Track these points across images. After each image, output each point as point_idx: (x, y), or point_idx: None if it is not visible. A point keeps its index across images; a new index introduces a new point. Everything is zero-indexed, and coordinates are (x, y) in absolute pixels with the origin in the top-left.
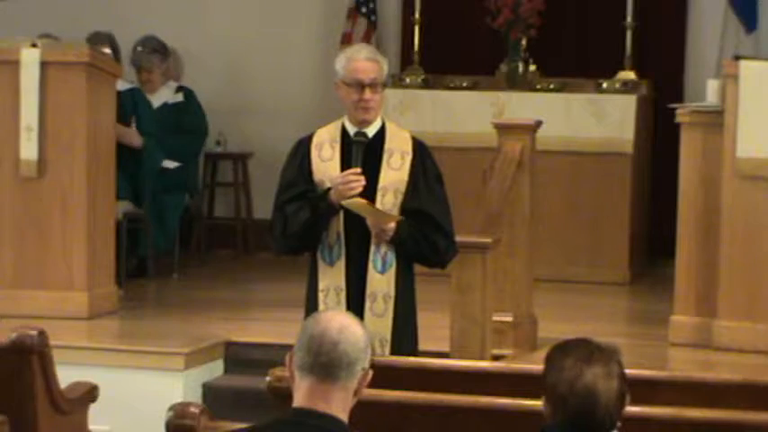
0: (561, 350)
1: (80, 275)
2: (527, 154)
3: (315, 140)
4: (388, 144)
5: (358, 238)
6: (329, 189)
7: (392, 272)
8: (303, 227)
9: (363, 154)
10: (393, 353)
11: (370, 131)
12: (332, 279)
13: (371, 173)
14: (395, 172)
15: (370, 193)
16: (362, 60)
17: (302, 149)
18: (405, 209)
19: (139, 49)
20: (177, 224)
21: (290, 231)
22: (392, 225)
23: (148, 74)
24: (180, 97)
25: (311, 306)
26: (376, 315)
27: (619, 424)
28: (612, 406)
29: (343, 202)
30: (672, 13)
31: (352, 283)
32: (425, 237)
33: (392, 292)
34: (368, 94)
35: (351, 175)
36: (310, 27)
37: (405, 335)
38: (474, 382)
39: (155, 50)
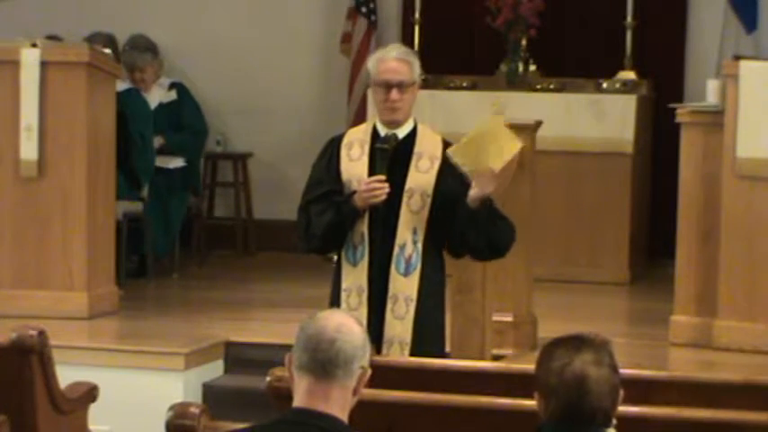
0: (551, 344)
1: (80, 275)
2: (527, 154)
3: (345, 140)
4: (418, 147)
5: (382, 239)
6: (354, 192)
7: (416, 275)
8: (326, 229)
9: (389, 159)
10: (413, 356)
11: (401, 133)
12: (355, 279)
13: (399, 175)
14: (422, 175)
15: (396, 195)
16: (391, 60)
17: (332, 148)
18: (430, 210)
19: (130, 48)
20: (179, 225)
21: (312, 232)
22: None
23: (142, 73)
24: (173, 95)
25: (334, 305)
26: (397, 317)
27: (614, 422)
28: (605, 395)
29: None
30: (672, 13)
31: (375, 284)
32: (503, 219)
33: (414, 295)
34: (394, 94)
35: (375, 183)
36: (310, 27)
37: (427, 338)
38: (474, 382)
39: (147, 49)
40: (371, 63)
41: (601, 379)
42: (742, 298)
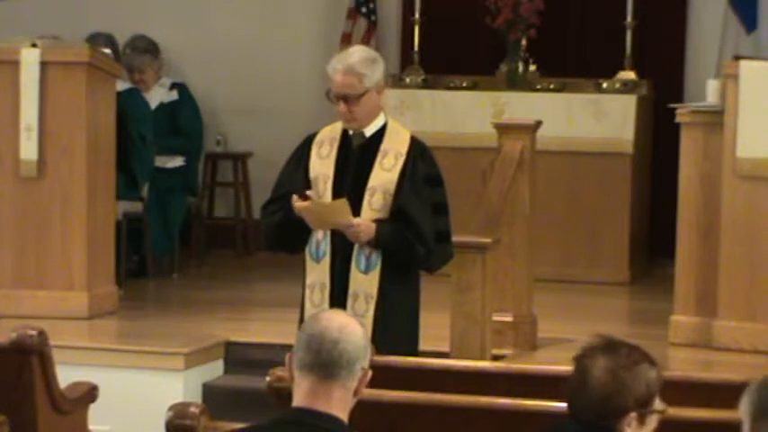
0: (601, 336)
1: (80, 275)
2: (527, 154)
3: (318, 137)
4: (385, 144)
5: (344, 236)
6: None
7: (376, 272)
8: (275, 229)
9: (356, 157)
10: (375, 354)
11: (369, 131)
12: (318, 275)
13: (364, 173)
14: (386, 173)
15: (359, 192)
16: (339, 73)
17: (305, 146)
18: (391, 210)
19: (129, 50)
20: (179, 225)
21: (266, 231)
22: (358, 220)
23: (141, 74)
24: (175, 95)
25: (301, 302)
26: (357, 315)
27: None
28: (599, 401)
29: (295, 210)
30: (672, 13)
31: (336, 281)
32: (405, 241)
33: (374, 293)
34: (342, 107)
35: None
36: (310, 27)
37: (391, 336)
38: (474, 382)
39: (146, 50)
40: (329, 69)
41: (604, 385)
42: (742, 298)
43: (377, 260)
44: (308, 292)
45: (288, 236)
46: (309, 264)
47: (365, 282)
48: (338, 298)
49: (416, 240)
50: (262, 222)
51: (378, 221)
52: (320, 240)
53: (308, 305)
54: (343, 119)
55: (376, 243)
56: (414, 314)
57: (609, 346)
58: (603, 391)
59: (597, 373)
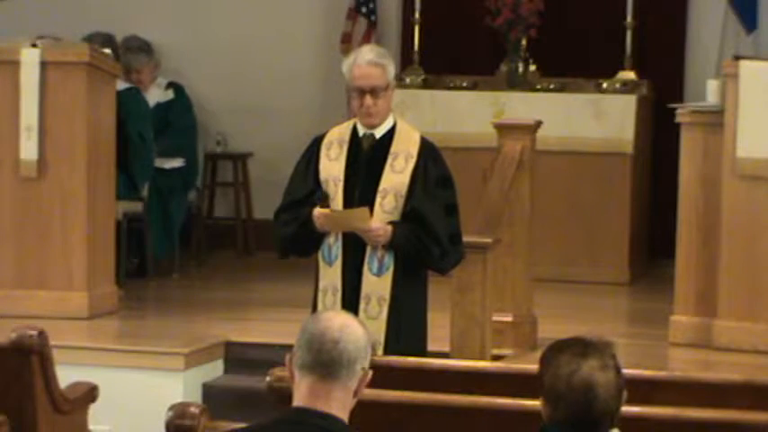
0: (555, 349)
1: (80, 275)
2: (527, 154)
3: (326, 139)
4: (395, 146)
5: (356, 240)
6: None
7: (388, 275)
8: (289, 240)
9: (369, 154)
10: (387, 355)
11: (379, 132)
12: (330, 279)
13: (375, 175)
14: (397, 175)
15: (371, 194)
16: (364, 66)
17: (314, 147)
18: (403, 212)
19: (125, 50)
20: (179, 225)
21: (279, 241)
22: (377, 225)
23: (138, 74)
24: (170, 94)
25: (313, 306)
26: (370, 317)
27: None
28: (611, 399)
29: (316, 223)
30: (672, 13)
31: (348, 284)
32: (421, 242)
33: (387, 295)
34: (368, 100)
35: (319, 216)
36: (310, 27)
37: (403, 338)
38: (474, 382)
39: (141, 50)
40: (346, 67)
41: (608, 384)
42: (742, 298)
43: (389, 263)
44: (320, 295)
45: (301, 245)
46: (322, 267)
47: (378, 284)
48: (350, 301)
49: (431, 242)
50: (275, 231)
51: (393, 224)
52: (332, 244)
53: (320, 308)
54: (365, 114)
55: (391, 245)
56: (423, 315)
57: (580, 347)
58: (614, 390)
59: (600, 378)
